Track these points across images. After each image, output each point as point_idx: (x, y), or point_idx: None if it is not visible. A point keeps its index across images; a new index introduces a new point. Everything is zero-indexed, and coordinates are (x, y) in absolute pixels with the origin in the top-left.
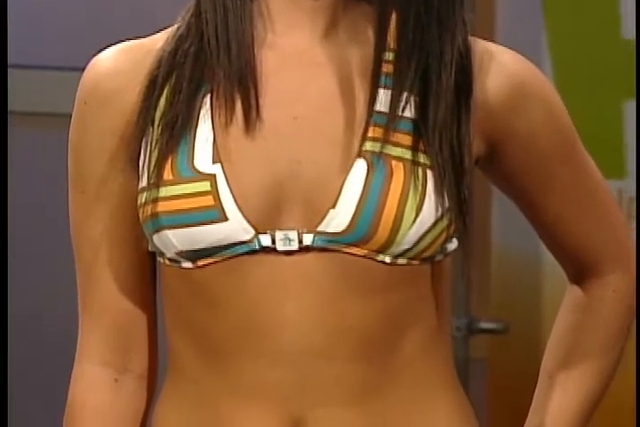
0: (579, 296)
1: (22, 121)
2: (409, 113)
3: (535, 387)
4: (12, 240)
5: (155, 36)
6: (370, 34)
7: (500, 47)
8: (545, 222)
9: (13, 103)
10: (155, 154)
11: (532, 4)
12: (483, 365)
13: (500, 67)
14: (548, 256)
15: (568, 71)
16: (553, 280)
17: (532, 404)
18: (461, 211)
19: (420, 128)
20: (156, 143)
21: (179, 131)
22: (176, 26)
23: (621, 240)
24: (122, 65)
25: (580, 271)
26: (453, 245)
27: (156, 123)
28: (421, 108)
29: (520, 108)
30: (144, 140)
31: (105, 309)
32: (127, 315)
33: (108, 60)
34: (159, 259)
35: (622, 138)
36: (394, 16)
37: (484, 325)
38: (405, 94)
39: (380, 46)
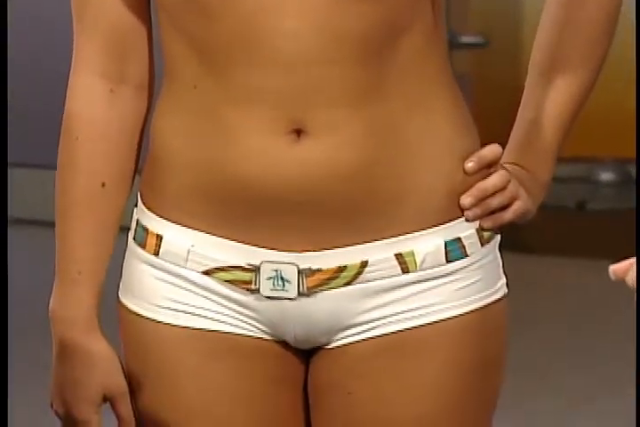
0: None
1: None
2: None
3: (518, 99)
4: None
5: None
6: None
7: None
8: None
9: None
10: None
11: None
12: (466, 80)
13: None
14: None
15: None
16: None
17: (523, 101)
18: None
19: None
20: None
21: None
22: None
23: None
24: None
25: None
26: None
27: None
28: None
29: None
30: None
31: (101, 18)
32: (123, 25)
33: None
34: None
35: None
36: None
37: (465, 39)
38: None
39: None
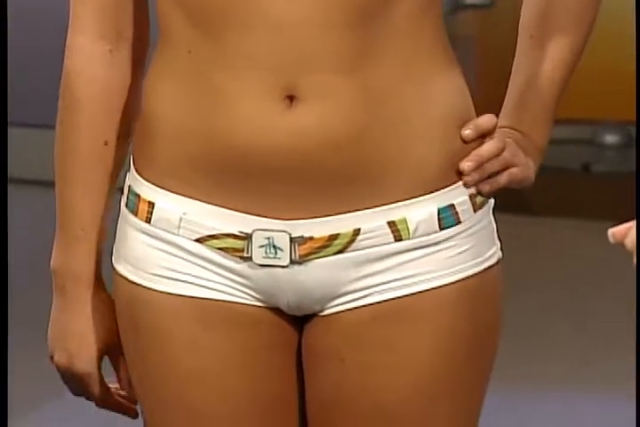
0: None
1: None
2: None
3: None
4: None
5: None
6: None
7: None
8: None
9: None
10: None
11: None
12: (470, 41)
13: None
14: None
15: None
16: None
17: (515, 64)
18: None
19: None
20: None
21: None
22: None
23: None
24: None
25: None
26: None
27: None
28: None
29: None
30: None
31: None
32: None
33: None
34: None
35: None
36: None
37: (470, 0)
38: None
39: None
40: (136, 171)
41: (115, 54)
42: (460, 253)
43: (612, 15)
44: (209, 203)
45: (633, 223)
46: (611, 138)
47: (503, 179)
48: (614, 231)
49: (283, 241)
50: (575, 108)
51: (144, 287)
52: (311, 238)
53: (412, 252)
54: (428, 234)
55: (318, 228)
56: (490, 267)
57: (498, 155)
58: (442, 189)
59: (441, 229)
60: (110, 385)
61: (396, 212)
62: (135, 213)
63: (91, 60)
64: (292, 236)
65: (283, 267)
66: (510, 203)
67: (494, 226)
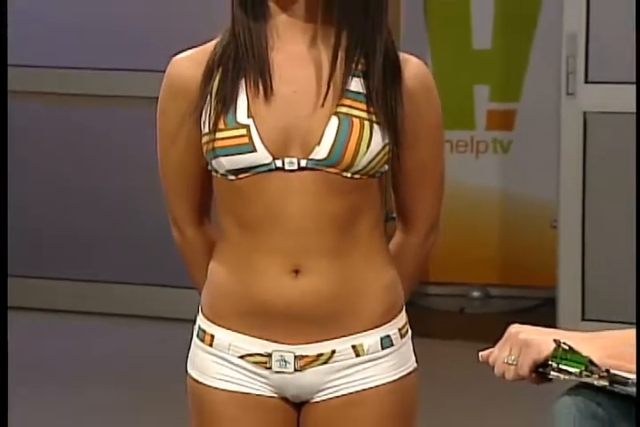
0: (396, 242)
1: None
2: (362, 90)
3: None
4: None
5: (207, 44)
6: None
7: (411, 56)
8: (397, 185)
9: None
10: (212, 114)
11: (419, 30)
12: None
13: (413, 68)
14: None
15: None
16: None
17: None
18: (392, 149)
19: (370, 99)
20: (214, 106)
21: (227, 100)
22: (220, 38)
23: (430, 215)
24: (189, 66)
25: (402, 226)
26: (385, 167)
27: (213, 96)
28: (367, 88)
29: (420, 93)
30: (205, 108)
31: (192, 190)
32: (203, 194)
33: (181, 65)
34: (214, 174)
35: (473, 105)
36: (345, 32)
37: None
38: (360, 79)
39: (348, 52)
40: (203, 315)
41: (204, 234)
42: (393, 364)
43: (477, 218)
44: (246, 334)
45: (493, 349)
46: (476, 293)
47: None
48: (482, 354)
49: (290, 357)
50: (452, 275)
51: (205, 385)
52: (306, 356)
53: (364, 363)
54: (374, 352)
55: (311, 349)
56: (410, 372)
57: None
58: (382, 325)
59: (382, 349)
60: None
61: (357, 339)
62: (202, 340)
63: (188, 246)
64: (296, 354)
65: (289, 373)
66: (417, 330)
67: (411, 346)
